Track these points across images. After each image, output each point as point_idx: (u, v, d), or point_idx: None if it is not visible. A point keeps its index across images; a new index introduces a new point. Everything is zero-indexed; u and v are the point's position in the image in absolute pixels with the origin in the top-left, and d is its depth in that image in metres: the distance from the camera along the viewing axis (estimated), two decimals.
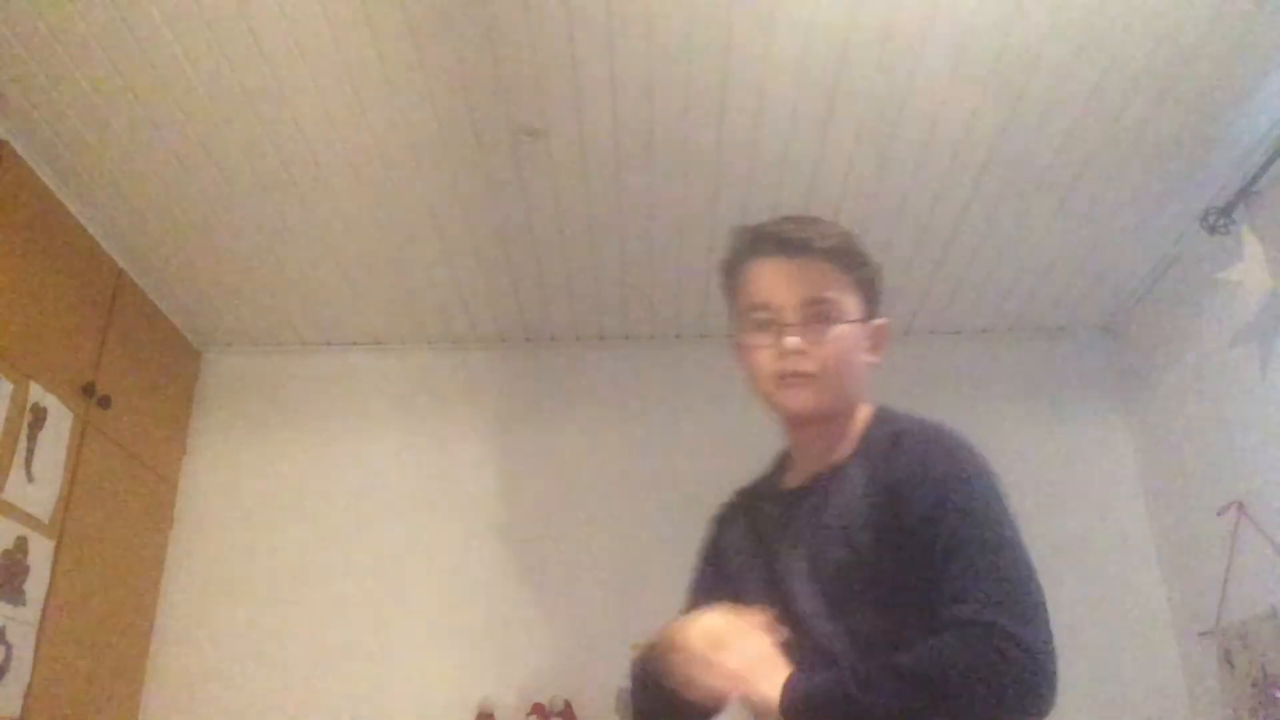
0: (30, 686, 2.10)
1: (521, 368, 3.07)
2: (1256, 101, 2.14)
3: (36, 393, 2.16)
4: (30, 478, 2.13)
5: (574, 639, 2.74)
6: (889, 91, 2.11)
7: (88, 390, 2.35)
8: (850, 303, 1.33)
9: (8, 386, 2.06)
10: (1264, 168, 2.26)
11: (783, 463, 1.46)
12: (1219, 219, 2.40)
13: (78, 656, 2.32)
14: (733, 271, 1.36)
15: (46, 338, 2.22)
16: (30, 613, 2.12)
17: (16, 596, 2.08)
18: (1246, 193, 2.32)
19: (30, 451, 2.13)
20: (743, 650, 1.13)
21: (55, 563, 2.21)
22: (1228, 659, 2.43)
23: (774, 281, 1.31)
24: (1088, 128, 2.22)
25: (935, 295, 2.90)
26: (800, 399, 1.29)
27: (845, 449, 1.32)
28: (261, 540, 2.86)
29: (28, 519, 2.12)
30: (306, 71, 2.03)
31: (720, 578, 1.42)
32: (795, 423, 1.35)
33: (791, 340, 1.27)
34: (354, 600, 2.77)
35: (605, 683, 2.58)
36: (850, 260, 1.35)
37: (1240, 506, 2.40)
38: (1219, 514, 2.46)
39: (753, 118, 2.18)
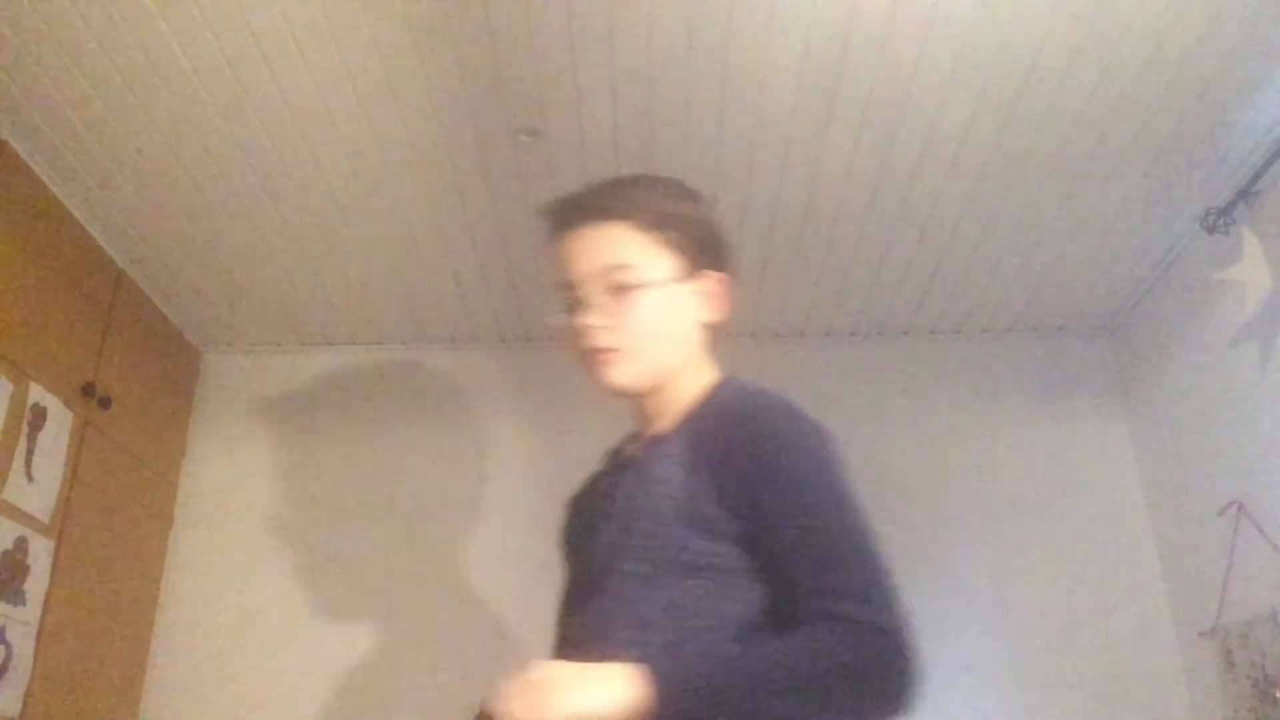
0: (30, 686, 2.10)
1: (521, 368, 3.07)
2: (1256, 101, 2.14)
3: (36, 393, 2.16)
4: (30, 478, 2.13)
5: None
6: (889, 91, 2.11)
7: (88, 390, 2.35)
8: (659, 264, 1.21)
9: (8, 386, 2.06)
10: (1264, 168, 2.26)
11: (619, 446, 1.42)
12: (1219, 219, 2.40)
13: (78, 656, 2.32)
14: (550, 256, 1.28)
15: (46, 338, 2.22)
16: (30, 613, 2.12)
17: (16, 596, 2.08)
18: (1246, 193, 2.32)
19: (30, 451, 2.13)
20: (568, 688, 1.01)
21: (55, 563, 2.21)
22: (1228, 659, 2.43)
23: (574, 255, 1.23)
24: (1087, 128, 2.22)
25: (935, 295, 2.90)
26: (610, 375, 1.21)
27: (676, 416, 1.23)
28: (261, 540, 2.86)
29: (28, 519, 2.12)
30: (307, 71, 2.03)
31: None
32: (615, 394, 1.26)
33: (591, 317, 1.19)
34: (355, 600, 2.77)
35: None
36: (655, 218, 1.22)
37: (1240, 506, 2.40)
38: (1219, 514, 2.46)
39: (753, 118, 2.18)
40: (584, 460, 2.96)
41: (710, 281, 1.26)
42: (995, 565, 2.81)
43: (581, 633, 1.17)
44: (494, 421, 3.01)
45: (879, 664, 1.03)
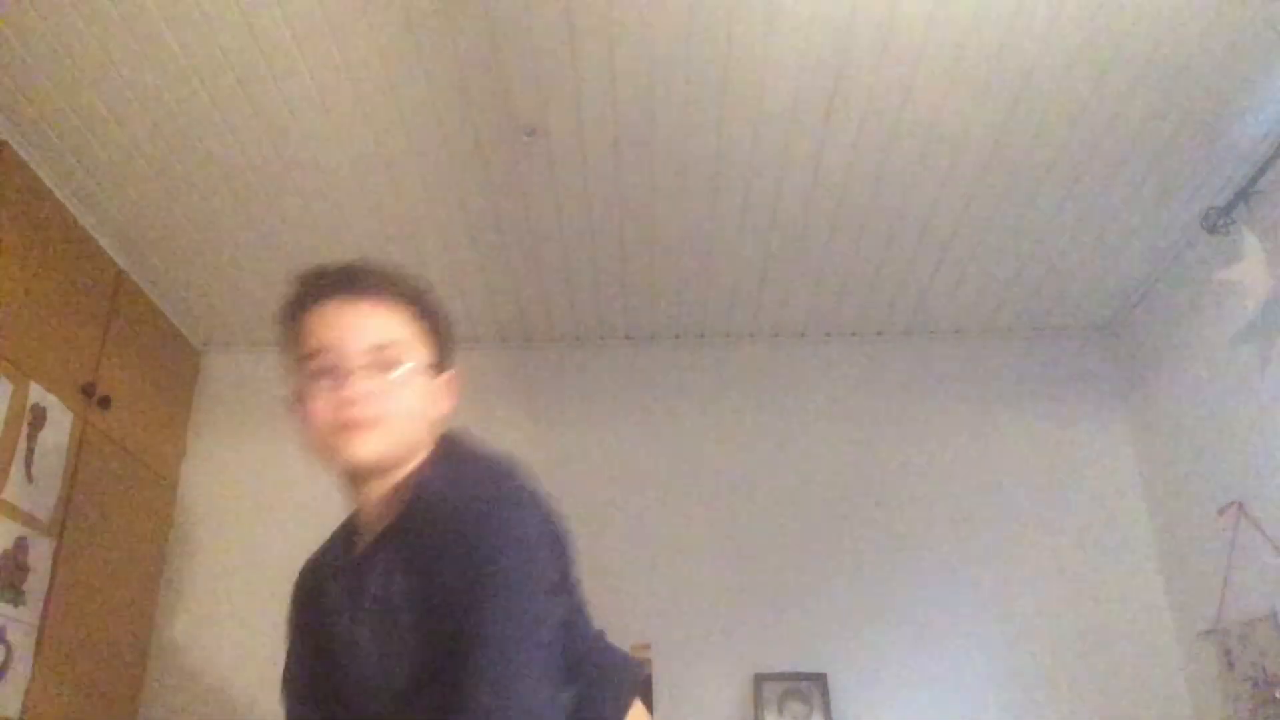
0: (30, 686, 2.10)
1: (521, 368, 3.07)
2: (1256, 101, 2.15)
3: (36, 393, 2.16)
4: (30, 478, 2.13)
5: None
6: (889, 91, 2.11)
7: (88, 390, 2.35)
8: (419, 350, 1.24)
9: (8, 386, 2.06)
10: (1264, 168, 2.26)
11: (353, 524, 1.35)
12: (1219, 219, 2.40)
13: (78, 656, 2.32)
14: (291, 318, 1.26)
15: (46, 338, 2.22)
16: (30, 613, 2.12)
17: (16, 596, 2.08)
18: (1246, 193, 2.32)
19: (30, 451, 2.13)
20: None
21: (55, 563, 2.21)
22: (1228, 659, 2.43)
23: (337, 324, 1.20)
24: (1087, 128, 2.22)
25: (935, 295, 2.90)
26: (362, 447, 1.16)
27: (394, 511, 1.21)
28: (261, 540, 2.86)
29: (28, 519, 2.12)
30: (307, 71, 2.03)
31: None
32: (355, 476, 1.22)
33: (356, 386, 1.16)
34: None
35: None
36: (420, 307, 1.27)
37: (1240, 506, 2.40)
38: (1219, 514, 2.46)
39: (753, 118, 2.18)
40: (584, 460, 2.98)
41: (450, 380, 1.30)
42: (995, 565, 2.81)
43: None
44: (494, 421, 3.01)
45: None
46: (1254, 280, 2.26)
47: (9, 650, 2.04)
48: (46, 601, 2.17)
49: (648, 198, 2.45)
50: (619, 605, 2.76)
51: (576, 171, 2.34)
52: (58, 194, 2.31)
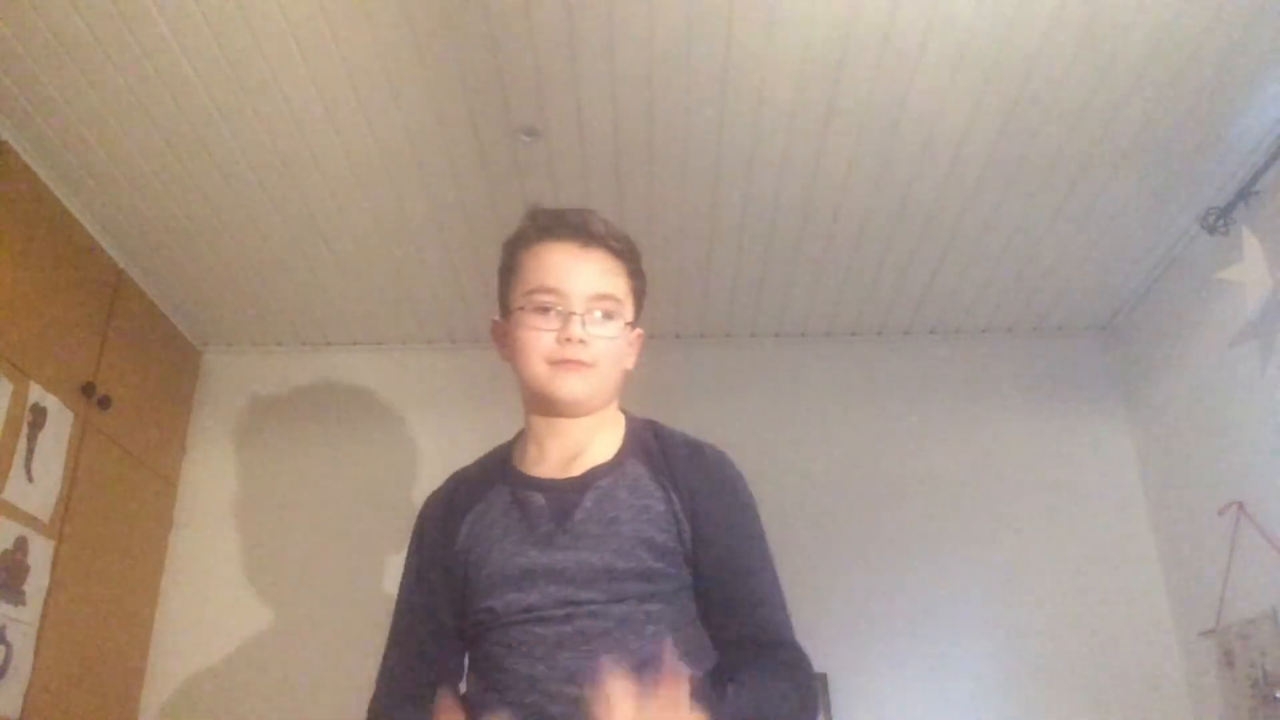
0: (30, 686, 2.10)
1: None
2: (1256, 101, 2.15)
3: (36, 393, 2.16)
4: (30, 478, 2.13)
5: None
6: (889, 91, 2.11)
7: (88, 390, 2.35)
8: (627, 306, 1.36)
9: (8, 386, 2.06)
10: (1264, 168, 2.26)
11: (510, 452, 1.43)
12: (1219, 219, 2.40)
13: (78, 656, 2.32)
14: (519, 250, 1.37)
15: (46, 338, 2.22)
16: (30, 613, 2.12)
17: (16, 596, 2.08)
18: (1246, 193, 2.32)
19: (30, 451, 2.13)
20: None
21: (55, 563, 2.21)
22: (1228, 659, 2.43)
23: (568, 267, 1.31)
24: (1087, 128, 2.22)
25: (935, 295, 2.90)
26: (574, 387, 1.29)
27: (609, 446, 1.34)
28: (261, 540, 2.86)
29: (28, 519, 2.12)
30: (306, 71, 2.03)
31: (443, 574, 1.35)
32: (559, 412, 1.34)
33: (578, 329, 1.28)
34: (354, 600, 2.77)
35: None
36: (634, 266, 1.37)
37: (1240, 506, 2.40)
38: (1219, 514, 2.46)
39: (753, 118, 2.18)
40: None
41: (639, 338, 1.41)
42: (995, 565, 2.81)
43: (598, 667, 1.13)
44: (494, 421, 3.00)
45: (815, 685, 1.25)
46: (1254, 280, 2.26)
47: (9, 650, 2.04)
48: (46, 601, 2.18)
49: (647, 198, 2.45)
50: None
51: (576, 171, 2.34)
52: (58, 194, 2.31)
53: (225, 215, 2.47)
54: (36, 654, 2.13)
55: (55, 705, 2.20)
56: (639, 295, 1.39)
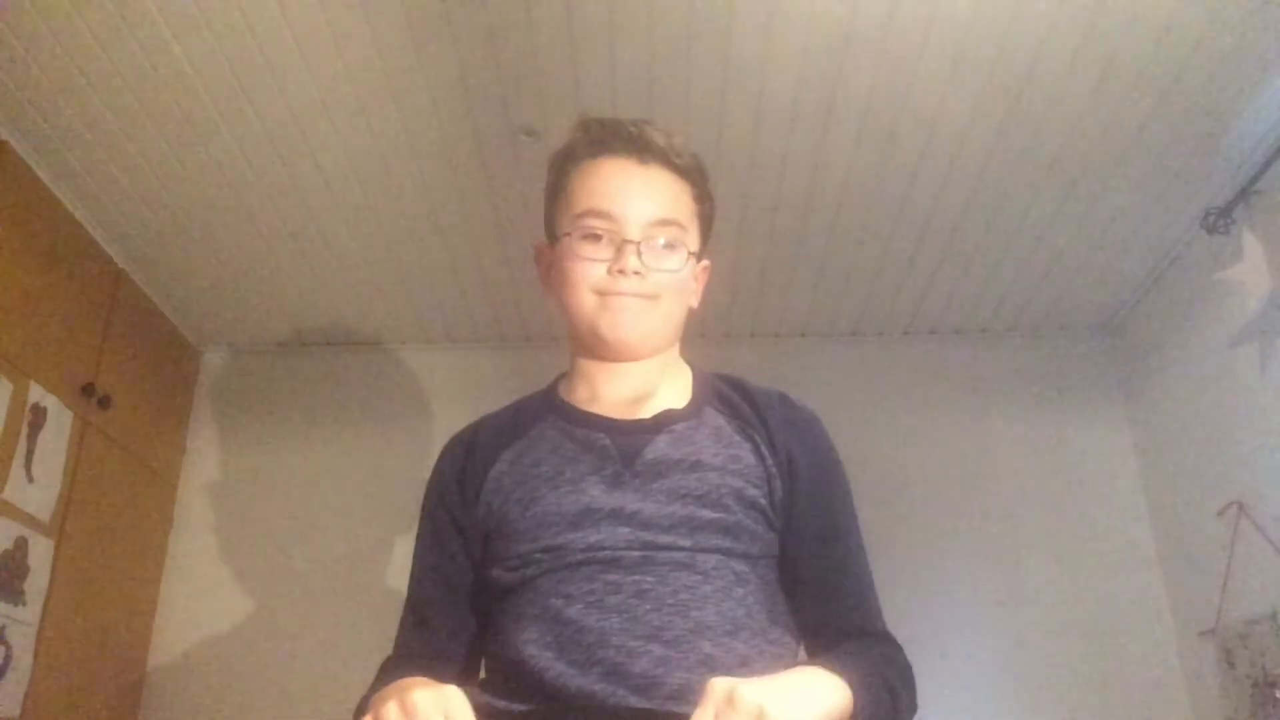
0: (30, 686, 2.10)
1: (521, 368, 3.07)
2: (1256, 101, 2.14)
3: (36, 393, 2.16)
4: (30, 478, 2.13)
5: None
6: (889, 91, 2.11)
7: (88, 390, 2.35)
8: (692, 234, 1.17)
9: (8, 386, 2.06)
10: (1264, 168, 2.26)
11: (554, 390, 1.26)
12: (1219, 219, 2.40)
13: (78, 656, 2.32)
14: (567, 167, 1.18)
15: (46, 338, 2.22)
16: (30, 613, 2.12)
17: (16, 596, 2.08)
18: (1246, 193, 2.32)
19: (30, 451, 2.13)
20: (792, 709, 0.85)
21: (55, 563, 2.21)
22: (1228, 659, 2.43)
23: (622, 188, 1.13)
24: (1087, 128, 2.22)
25: (935, 295, 2.90)
26: (626, 325, 1.11)
27: (679, 392, 1.17)
28: (261, 540, 2.86)
29: (28, 519, 2.12)
30: (306, 71, 2.03)
31: (456, 529, 1.18)
32: (610, 355, 1.16)
33: (634, 260, 1.10)
34: (355, 599, 2.77)
35: None
36: (702, 188, 1.21)
37: (1240, 506, 2.40)
38: (1219, 514, 2.46)
39: (753, 118, 2.18)
40: None
41: (704, 270, 1.23)
42: (995, 565, 2.81)
43: (689, 625, 1.00)
44: None
45: (913, 683, 1.09)
46: (1254, 280, 2.26)
47: (9, 650, 2.04)
48: (46, 601, 2.18)
49: None
50: None
51: None
52: (58, 194, 2.31)
53: (225, 215, 2.47)
54: (36, 654, 2.13)
55: (55, 705, 2.20)
56: (706, 221, 1.20)
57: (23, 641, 2.09)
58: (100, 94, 2.06)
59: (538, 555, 1.06)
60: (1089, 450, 2.95)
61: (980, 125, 2.21)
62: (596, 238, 1.12)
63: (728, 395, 1.17)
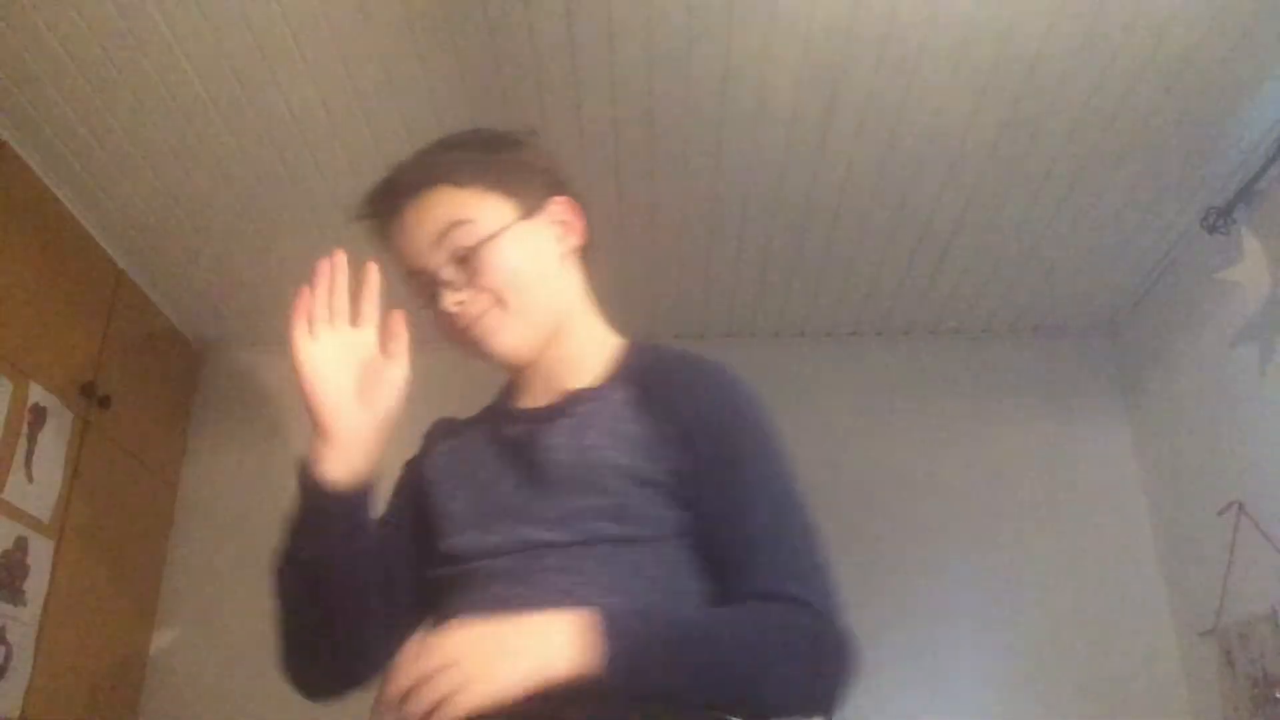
0: (30, 686, 2.10)
1: None
2: (1256, 101, 2.14)
3: (36, 393, 2.16)
4: (30, 478, 2.13)
5: None
6: (889, 91, 2.11)
7: (88, 390, 2.35)
8: (495, 211, 1.09)
9: (8, 386, 2.06)
10: (1264, 168, 2.26)
11: (507, 392, 1.24)
12: (1219, 219, 2.40)
13: (78, 656, 2.32)
14: (383, 248, 1.15)
15: (46, 338, 2.22)
16: (30, 613, 2.12)
17: (16, 596, 2.08)
18: (1246, 193, 2.32)
19: (30, 451, 2.13)
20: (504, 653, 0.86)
21: (55, 563, 2.21)
22: (1228, 659, 2.43)
23: (407, 237, 1.11)
24: (1087, 128, 2.22)
25: (935, 295, 2.90)
26: (490, 346, 1.10)
27: (594, 370, 1.12)
28: (261, 540, 2.84)
29: (28, 519, 2.12)
30: (307, 71, 2.03)
31: (413, 509, 1.18)
32: (509, 368, 1.16)
33: (448, 296, 1.07)
34: None
35: None
36: (474, 169, 1.11)
37: (1240, 506, 2.40)
38: (1219, 514, 2.46)
39: (753, 118, 2.18)
40: None
41: (558, 207, 1.15)
42: (995, 565, 2.81)
43: (537, 601, 0.97)
44: None
45: (831, 653, 0.99)
46: (1254, 280, 2.26)
47: (9, 650, 2.04)
48: (46, 601, 2.17)
49: (648, 197, 2.45)
50: None
51: (576, 171, 2.33)
52: (58, 194, 2.31)
53: (225, 215, 2.47)
54: (36, 654, 2.13)
55: (55, 705, 2.19)
56: (513, 179, 1.12)
57: (23, 641, 2.09)
58: (101, 95, 2.06)
59: (447, 560, 1.08)
60: (1089, 450, 2.95)
61: (980, 125, 2.21)
62: (422, 291, 1.11)
63: (645, 365, 1.12)
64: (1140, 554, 2.82)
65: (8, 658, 2.03)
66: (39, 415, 2.17)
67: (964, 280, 2.83)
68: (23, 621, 2.10)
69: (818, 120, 2.19)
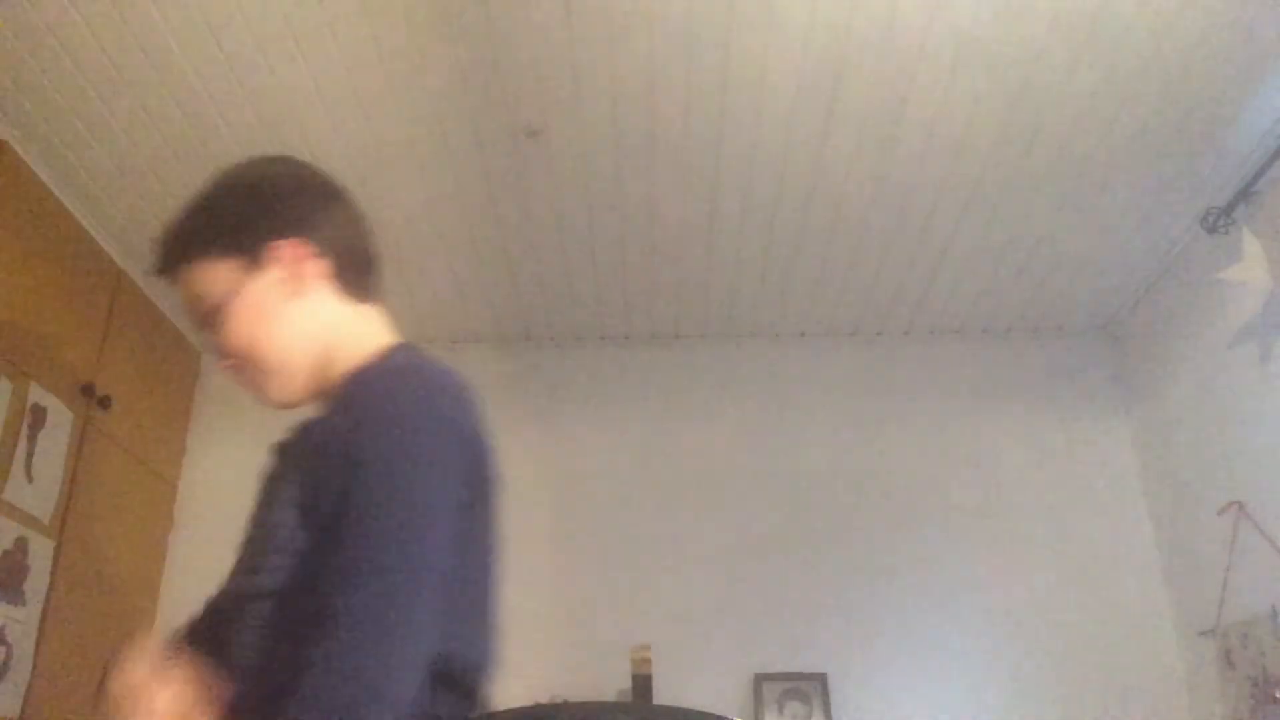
0: (30, 686, 2.10)
1: (521, 368, 3.07)
2: (1256, 101, 2.14)
3: (36, 393, 2.16)
4: (30, 478, 2.13)
5: (575, 638, 2.75)
6: (889, 91, 2.11)
7: (88, 390, 2.35)
8: (219, 275, 1.09)
9: (8, 386, 2.06)
10: (1264, 168, 2.26)
11: None
12: (1219, 219, 2.40)
13: (78, 656, 2.32)
14: None
15: (46, 338, 2.22)
16: (30, 613, 2.12)
17: (16, 596, 2.08)
18: (1246, 193, 2.32)
19: (30, 451, 2.13)
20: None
21: (55, 563, 2.21)
22: (1228, 659, 2.43)
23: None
24: (1088, 128, 2.22)
25: (935, 295, 2.90)
26: (267, 398, 1.13)
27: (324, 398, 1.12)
28: None
29: (28, 519, 2.12)
30: (307, 72, 2.03)
31: None
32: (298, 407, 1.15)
33: (218, 361, 1.13)
34: None
35: (605, 683, 2.58)
36: (196, 244, 1.11)
37: (1240, 506, 2.40)
38: (1219, 514, 2.46)
39: (753, 118, 2.18)
40: (583, 460, 2.98)
41: (280, 252, 1.10)
42: (995, 565, 2.81)
43: (215, 646, 1.02)
44: (493, 420, 3.00)
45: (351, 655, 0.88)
46: (1254, 280, 2.26)
47: (9, 650, 2.04)
48: (46, 601, 2.17)
49: (648, 198, 2.45)
50: (619, 606, 2.76)
51: (576, 171, 2.34)
52: (58, 194, 2.31)
53: None
54: (36, 654, 2.13)
55: (55, 705, 2.19)
56: (224, 239, 1.10)
57: (23, 641, 2.09)
58: (101, 94, 2.06)
59: None
60: (1089, 450, 2.95)
61: (980, 125, 2.21)
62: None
63: (333, 398, 1.08)
64: (1140, 554, 2.82)
65: (8, 658, 2.03)
66: (39, 415, 2.17)
67: (964, 280, 2.83)
68: (23, 621, 2.10)
69: (818, 120, 2.19)
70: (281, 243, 1.11)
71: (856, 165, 2.34)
